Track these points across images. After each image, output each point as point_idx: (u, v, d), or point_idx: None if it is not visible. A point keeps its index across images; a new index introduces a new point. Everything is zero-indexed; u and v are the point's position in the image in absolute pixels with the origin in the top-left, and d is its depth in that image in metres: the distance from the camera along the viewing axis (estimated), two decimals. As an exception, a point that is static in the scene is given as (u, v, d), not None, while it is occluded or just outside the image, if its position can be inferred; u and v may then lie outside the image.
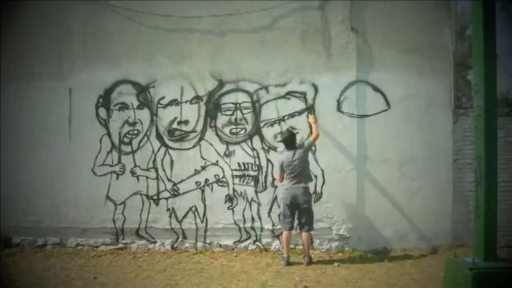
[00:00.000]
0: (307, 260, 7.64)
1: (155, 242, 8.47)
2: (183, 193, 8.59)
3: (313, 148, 8.20)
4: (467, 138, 8.44)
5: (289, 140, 7.80)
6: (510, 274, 4.71)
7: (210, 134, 8.59)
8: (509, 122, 8.55)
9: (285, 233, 7.73)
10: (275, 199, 8.47)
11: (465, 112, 8.63)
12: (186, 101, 8.63)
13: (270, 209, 8.51)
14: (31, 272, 7.25)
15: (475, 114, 5.32)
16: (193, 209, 8.58)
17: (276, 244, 8.46)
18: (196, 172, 8.58)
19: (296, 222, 7.74)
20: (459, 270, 4.89)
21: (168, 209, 8.61)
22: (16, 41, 8.84)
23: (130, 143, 8.69)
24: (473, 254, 5.10)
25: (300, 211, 7.67)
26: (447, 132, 8.57)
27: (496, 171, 5.17)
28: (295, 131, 8.18)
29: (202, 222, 8.57)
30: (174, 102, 8.62)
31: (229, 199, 8.57)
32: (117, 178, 8.67)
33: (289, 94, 8.52)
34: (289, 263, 7.59)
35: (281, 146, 7.93)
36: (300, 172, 7.66)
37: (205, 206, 8.57)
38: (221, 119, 8.60)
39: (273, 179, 8.43)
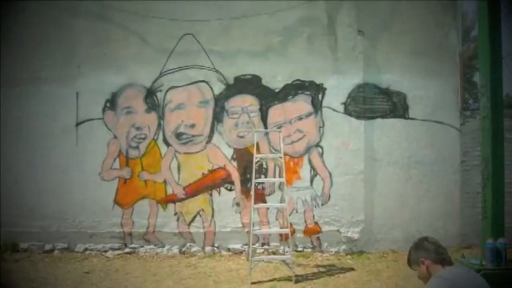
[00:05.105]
0: None
1: (163, 247, 8.45)
2: (191, 197, 8.59)
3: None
4: (474, 140, 8.40)
5: None
6: (517, 275, 4.69)
7: (217, 138, 8.60)
8: (516, 123, 8.54)
9: None
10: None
11: (472, 114, 8.65)
12: (193, 105, 8.64)
13: (277, 212, 8.50)
14: (38, 278, 7.21)
15: (482, 115, 5.33)
16: (201, 213, 8.59)
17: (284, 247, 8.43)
18: (204, 176, 8.59)
19: None
20: (467, 271, 4.87)
21: (175, 213, 8.61)
22: (22, 44, 8.83)
23: (137, 147, 8.70)
24: (481, 255, 5.08)
25: None
26: (454, 134, 8.59)
27: (503, 172, 5.18)
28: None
29: (210, 225, 8.57)
30: (181, 106, 8.64)
31: (237, 203, 8.57)
32: (125, 182, 8.68)
33: (296, 96, 8.53)
34: None
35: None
36: None
37: (212, 209, 8.57)
38: (228, 122, 8.61)
39: (280, 183, 8.43)
